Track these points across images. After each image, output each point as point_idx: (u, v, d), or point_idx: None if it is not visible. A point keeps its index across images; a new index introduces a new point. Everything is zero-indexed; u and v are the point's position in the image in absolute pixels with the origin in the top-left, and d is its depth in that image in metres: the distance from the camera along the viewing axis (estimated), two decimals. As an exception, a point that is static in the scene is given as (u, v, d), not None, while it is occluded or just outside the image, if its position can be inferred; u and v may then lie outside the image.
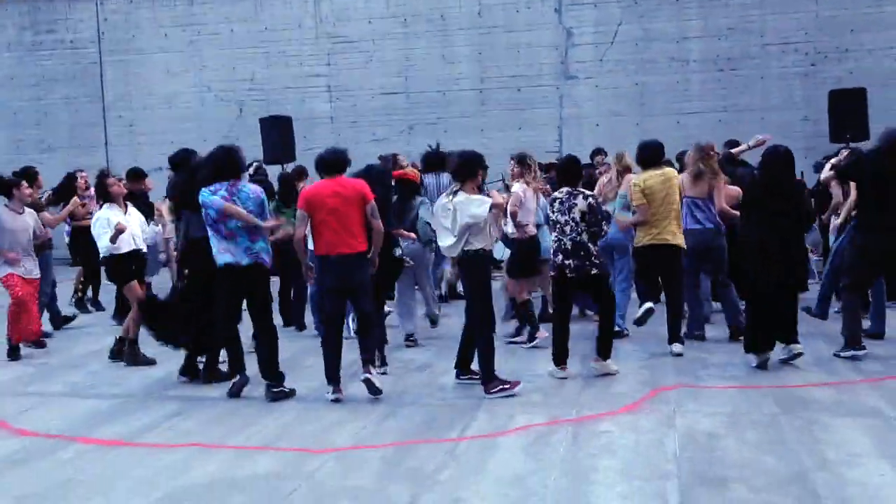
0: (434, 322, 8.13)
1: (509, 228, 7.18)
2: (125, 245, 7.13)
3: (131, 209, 7.47)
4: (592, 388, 6.05)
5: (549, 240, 6.81)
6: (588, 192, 6.52)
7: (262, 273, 6.07)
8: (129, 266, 7.22)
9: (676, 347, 6.88)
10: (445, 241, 5.97)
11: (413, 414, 5.51)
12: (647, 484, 4.22)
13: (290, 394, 5.95)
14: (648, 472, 4.38)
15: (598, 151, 11.26)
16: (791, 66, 13.19)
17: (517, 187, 7.32)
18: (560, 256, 6.23)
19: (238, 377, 6.06)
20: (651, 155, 7.21)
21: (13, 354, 7.50)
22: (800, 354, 6.39)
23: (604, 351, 6.34)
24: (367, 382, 5.74)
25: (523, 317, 7.48)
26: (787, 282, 6.31)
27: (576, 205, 6.24)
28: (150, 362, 7.06)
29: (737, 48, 13.36)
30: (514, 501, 4.07)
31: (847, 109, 11.45)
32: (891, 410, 5.32)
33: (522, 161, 7.50)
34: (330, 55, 14.73)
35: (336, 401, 5.74)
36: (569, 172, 6.56)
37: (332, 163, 5.93)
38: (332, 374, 5.82)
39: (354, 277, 5.78)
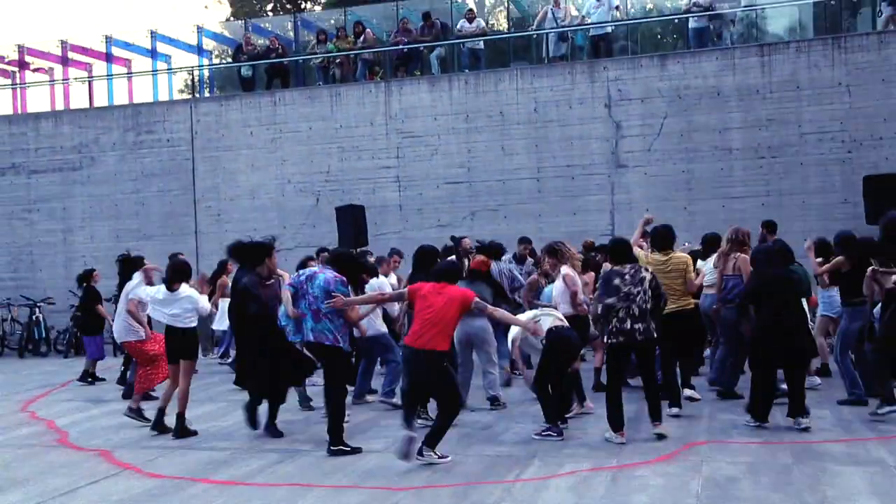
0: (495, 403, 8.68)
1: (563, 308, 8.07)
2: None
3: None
4: (632, 442, 6.93)
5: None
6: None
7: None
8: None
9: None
10: None
11: (477, 461, 6.49)
12: (670, 514, 5.11)
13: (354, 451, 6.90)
14: (673, 505, 5.27)
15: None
16: (828, 153, 14.04)
17: (567, 270, 8.23)
18: (629, 322, 6.98)
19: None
20: (660, 241, 8.31)
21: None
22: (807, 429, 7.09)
23: (657, 413, 7.07)
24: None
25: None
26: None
27: (644, 278, 7.13)
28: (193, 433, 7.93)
29: (776, 137, 14.29)
30: (559, 526, 4.99)
31: (882, 193, 12.23)
32: (893, 461, 6.09)
33: (552, 252, 8.31)
34: (399, 148, 16.12)
35: None
36: (618, 252, 7.44)
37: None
38: None
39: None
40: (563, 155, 15.24)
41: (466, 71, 16.29)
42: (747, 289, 7.62)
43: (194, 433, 7.88)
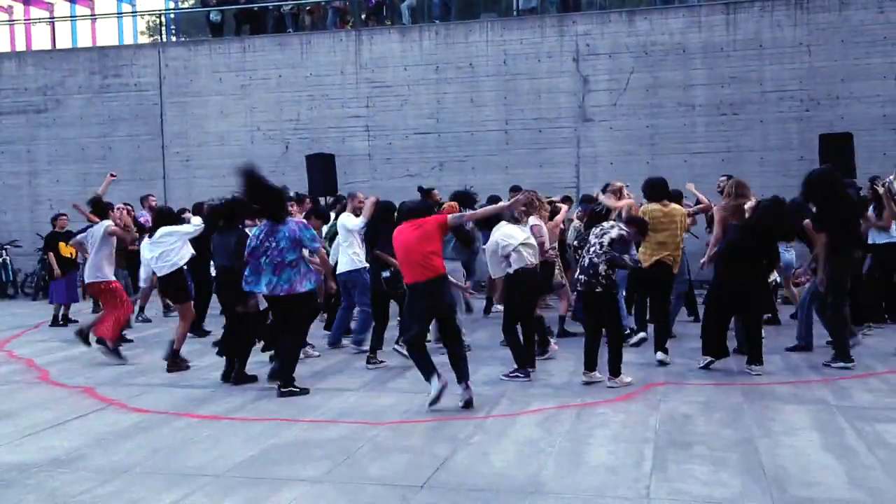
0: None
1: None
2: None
3: None
4: (597, 385, 7.34)
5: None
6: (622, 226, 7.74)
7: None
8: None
9: (660, 355, 8.11)
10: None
11: (450, 400, 6.84)
12: (630, 445, 5.52)
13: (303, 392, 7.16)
14: (632, 438, 5.69)
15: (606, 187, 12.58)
16: (787, 111, 14.49)
17: (535, 220, 8.53)
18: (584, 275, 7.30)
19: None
20: (654, 191, 8.63)
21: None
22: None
23: (615, 369, 7.38)
24: None
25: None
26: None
27: (608, 233, 7.40)
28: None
29: (738, 95, 14.68)
30: (527, 456, 5.38)
31: (836, 151, 12.71)
32: (833, 400, 6.60)
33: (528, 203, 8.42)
34: (368, 98, 16.22)
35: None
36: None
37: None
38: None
39: None
40: (531, 108, 15.48)
41: (437, 22, 16.37)
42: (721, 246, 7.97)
43: (187, 367, 8.34)
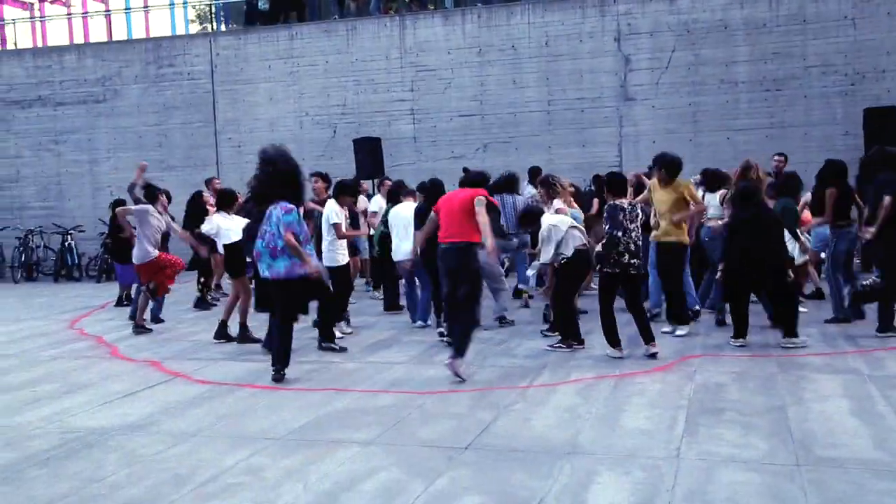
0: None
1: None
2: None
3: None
4: (633, 357, 7.62)
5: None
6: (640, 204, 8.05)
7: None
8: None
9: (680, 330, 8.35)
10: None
11: (493, 371, 7.20)
12: (664, 411, 5.81)
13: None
14: (667, 405, 5.98)
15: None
16: (832, 85, 14.43)
17: (559, 204, 8.58)
18: (626, 256, 7.53)
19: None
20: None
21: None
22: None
23: (648, 335, 7.66)
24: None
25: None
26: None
27: (638, 214, 7.74)
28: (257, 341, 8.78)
29: (781, 70, 14.66)
30: (566, 421, 5.70)
31: (881, 126, 12.69)
32: (867, 370, 6.78)
33: (544, 184, 8.69)
34: (413, 82, 16.55)
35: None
36: (616, 186, 8.08)
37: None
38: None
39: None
40: (573, 88, 15.65)
41: (479, 5, 16.58)
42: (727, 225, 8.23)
43: (256, 340, 8.76)
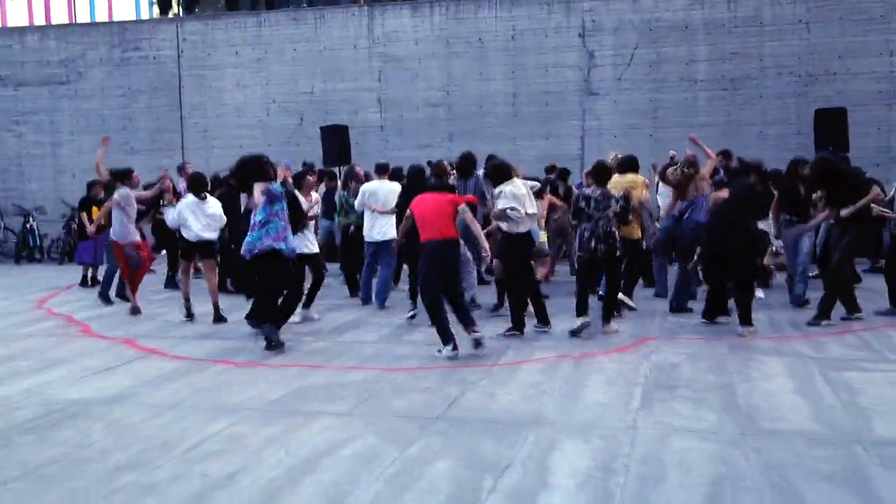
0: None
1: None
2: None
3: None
4: (595, 339, 8.00)
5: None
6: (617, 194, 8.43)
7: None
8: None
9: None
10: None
11: (461, 351, 7.51)
12: (622, 388, 6.19)
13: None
14: (625, 382, 6.35)
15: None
16: (786, 86, 15.00)
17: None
18: (593, 242, 8.11)
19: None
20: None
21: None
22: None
23: (608, 317, 8.30)
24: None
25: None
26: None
27: (609, 205, 8.18)
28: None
29: (739, 70, 15.19)
30: (529, 396, 6.04)
31: (830, 126, 13.24)
32: (811, 353, 7.24)
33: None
34: (381, 72, 16.78)
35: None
36: (600, 174, 8.49)
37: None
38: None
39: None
40: (539, 82, 16.02)
41: (447, -3, 16.83)
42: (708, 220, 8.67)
43: (225, 320, 9.12)
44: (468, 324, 7.40)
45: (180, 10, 20.94)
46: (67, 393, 6.30)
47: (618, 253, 8.22)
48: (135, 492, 4.28)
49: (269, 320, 7.78)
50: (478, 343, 7.35)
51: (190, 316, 9.29)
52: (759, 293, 10.18)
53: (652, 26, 15.48)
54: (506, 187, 8.05)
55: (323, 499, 4.15)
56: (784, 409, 5.59)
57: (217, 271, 9.96)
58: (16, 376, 6.88)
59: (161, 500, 4.18)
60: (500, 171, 8.24)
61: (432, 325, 7.57)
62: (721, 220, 8.24)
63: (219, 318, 9.17)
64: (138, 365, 7.25)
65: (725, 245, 8.11)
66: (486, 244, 7.76)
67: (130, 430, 5.35)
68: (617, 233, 8.23)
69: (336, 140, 15.39)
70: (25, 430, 5.38)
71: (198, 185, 9.48)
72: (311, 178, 9.70)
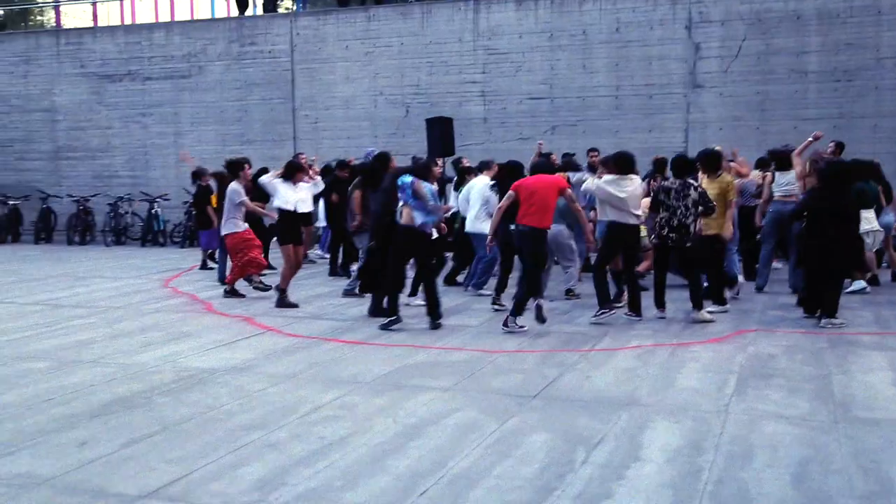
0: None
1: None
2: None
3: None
4: (692, 328, 8.12)
5: None
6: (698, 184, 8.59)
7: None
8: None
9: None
10: None
11: (558, 337, 7.78)
12: (716, 376, 6.33)
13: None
14: (719, 370, 6.48)
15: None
16: (903, 77, 14.52)
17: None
18: (666, 230, 8.37)
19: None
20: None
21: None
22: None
23: (697, 303, 8.43)
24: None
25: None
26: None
27: (689, 194, 8.32)
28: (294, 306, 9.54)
29: (853, 61, 14.78)
30: (624, 380, 6.26)
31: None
32: (915, 349, 7.18)
33: (606, 163, 9.36)
34: (485, 64, 17.09)
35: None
36: (682, 167, 8.62)
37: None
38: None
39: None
40: (642, 74, 16.00)
41: (552, -9, 16.98)
42: (797, 206, 8.66)
43: (294, 305, 9.54)
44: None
45: (294, 4, 21.77)
46: (196, 362, 6.90)
47: (688, 244, 8.35)
48: (260, 446, 4.76)
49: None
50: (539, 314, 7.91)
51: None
52: (865, 286, 10.04)
53: (761, 17, 15.22)
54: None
55: (427, 461, 4.51)
56: (882, 400, 5.63)
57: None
58: (151, 346, 7.56)
59: (282, 455, 4.63)
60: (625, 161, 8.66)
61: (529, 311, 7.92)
62: (830, 210, 8.18)
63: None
64: (256, 340, 7.82)
65: (831, 236, 8.07)
66: (588, 224, 8.30)
67: (252, 395, 5.87)
68: (693, 227, 8.33)
69: (440, 131, 15.82)
70: (163, 392, 5.97)
71: (290, 172, 9.98)
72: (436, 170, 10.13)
